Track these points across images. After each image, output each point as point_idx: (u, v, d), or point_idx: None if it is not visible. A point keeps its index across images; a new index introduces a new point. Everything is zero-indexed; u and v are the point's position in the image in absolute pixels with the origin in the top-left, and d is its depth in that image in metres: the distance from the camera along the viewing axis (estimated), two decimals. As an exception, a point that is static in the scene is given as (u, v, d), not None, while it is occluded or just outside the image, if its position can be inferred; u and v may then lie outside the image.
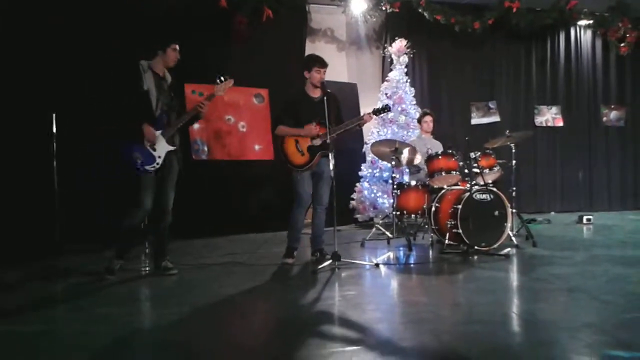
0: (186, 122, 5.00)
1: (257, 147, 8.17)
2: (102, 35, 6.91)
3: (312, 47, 8.97)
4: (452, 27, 9.43)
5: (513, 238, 6.11)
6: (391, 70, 8.96)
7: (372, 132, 8.59)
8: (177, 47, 4.90)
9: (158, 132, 4.77)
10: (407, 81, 8.86)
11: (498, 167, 6.37)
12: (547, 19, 9.93)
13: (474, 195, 5.71)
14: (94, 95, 6.62)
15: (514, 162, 6.62)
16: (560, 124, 10.56)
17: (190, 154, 7.52)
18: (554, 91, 10.63)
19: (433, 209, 6.17)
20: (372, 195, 8.30)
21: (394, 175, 6.44)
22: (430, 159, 6.31)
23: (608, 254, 5.68)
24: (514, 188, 6.64)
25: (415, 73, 9.70)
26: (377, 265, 5.17)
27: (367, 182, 8.44)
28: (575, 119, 10.64)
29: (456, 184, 6.33)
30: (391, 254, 5.94)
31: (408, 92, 8.77)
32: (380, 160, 7.72)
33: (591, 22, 10.47)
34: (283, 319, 3.59)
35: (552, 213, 10.19)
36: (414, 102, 8.77)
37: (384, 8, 9.17)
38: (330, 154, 5.07)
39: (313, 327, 3.26)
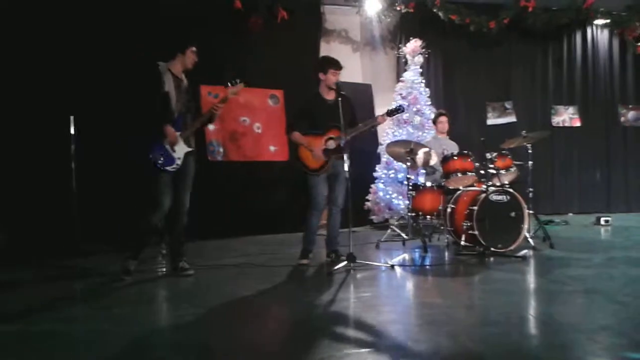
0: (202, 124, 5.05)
1: (272, 148, 8.19)
2: (119, 37, 6.97)
3: (326, 48, 8.98)
4: (467, 26, 9.38)
5: (530, 240, 6.07)
6: (406, 70, 8.93)
7: (387, 133, 8.57)
8: (195, 49, 4.94)
9: (177, 134, 4.82)
10: (421, 81, 8.82)
11: (514, 168, 6.34)
12: (564, 18, 9.85)
13: (490, 197, 5.68)
14: (113, 97, 6.67)
15: (530, 162, 6.57)
16: (578, 124, 10.46)
17: (206, 155, 7.56)
18: (571, 91, 10.52)
19: (449, 210, 6.15)
20: (387, 196, 8.28)
21: (409, 176, 6.43)
22: (445, 159, 6.29)
23: (626, 255, 5.63)
24: (531, 189, 6.59)
25: (430, 73, 9.66)
26: (392, 266, 5.16)
27: (382, 183, 8.42)
28: (592, 119, 10.53)
29: (472, 185, 6.30)
30: (406, 256, 5.93)
31: (423, 93, 8.74)
32: (395, 162, 7.71)
33: (608, 21, 10.35)
34: (298, 320, 3.60)
35: (570, 214, 10.09)
36: (429, 103, 8.73)
37: (398, 8, 9.14)
38: (345, 155, 5.08)
39: (328, 329, 3.26)
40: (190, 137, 4.95)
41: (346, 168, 5.07)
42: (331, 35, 9.44)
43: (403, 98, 8.62)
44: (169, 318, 3.81)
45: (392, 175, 8.39)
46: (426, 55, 8.98)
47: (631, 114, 10.68)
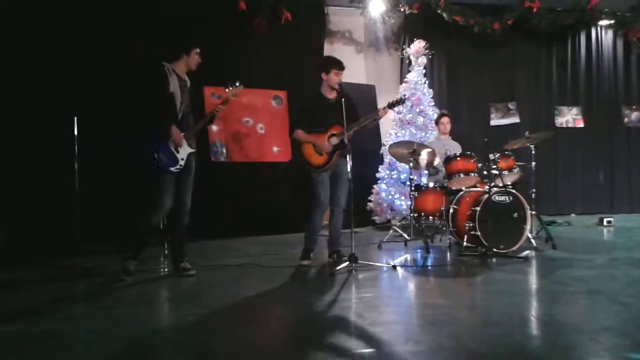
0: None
1: (275, 149, 8.19)
2: (123, 38, 6.99)
3: (330, 49, 8.99)
4: (471, 28, 9.37)
5: (532, 240, 6.07)
6: (409, 71, 8.93)
7: (390, 133, 8.57)
8: (199, 50, 4.95)
9: (182, 135, 4.83)
10: (425, 82, 8.82)
11: (517, 169, 6.33)
12: (568, 19, 9.82)
13: (492, 197, 5.68)
14: (116, 98, 6.69)
15: (533, 163, 6.57)
16: (581, 125, 10.44)
17: (209, 155, 7.57)
18: (575, 92, 10.51)
19: (451, 210, 6.14)
20: (390, 197, 8.28)
21: (411, 177, 6.42)
22: (448, 160, 6.29)
23: (628, 256, 5.62)
24: (534, 190, 6.59)
25: (434, 74, 9.67)
26: (394, 267, 5.16)
27: (385, 184, 8.42)
28: (596, 120, 10.51)
29: (475, 186, 6.29)
30: (408, 256, 5.93)
31: (426, 94, 8.73)
32: (397, 162, 7.71)
33: (612, 22, 10.32)
34: (300, 321, 3.60)
35: (573, 215, 10.07)
36: (432, 104, 8.73)
37: (402, 9, 9.14)
38: (347, 156, 5.08)
39: (330, 329, 3.26)
40: (192, 138, 4.96)
41: (349, 169, 5.08)
42: (335, 36, 9.45)
43: (407, 99, 8.60)
44: (170, 318, 3.81)
45: (394, 176, 8.38)
46: (430, 57, 8.98)
47: (635, 115, 10.65)
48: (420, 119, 8.48)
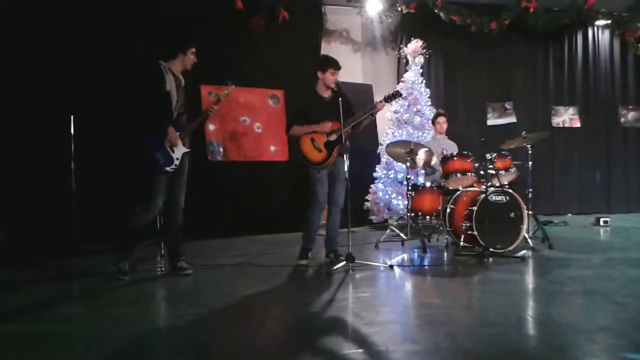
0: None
1: (272, 148, 8.19)
2: (120, 37, 6.96)
3: (327, 48, 8.98)
4: (469, 27, 9.37)
5: (529, 240, 6.08)
6: (406, 71, 8.93)
7: (387, 133, 8.57)
8: (195, 50, 4.95)
9: (177, 134, 4.82)
10: (422, 82, 8.81)
11: (514, 169, 6.34)
12: (565, 19, 9.83)
13: (489, 197, 5.68)
14: (113, 97, 6.67)
15: (530, 163, 6.58)
16: (578, 124, 10.44)
17: (206, 155, 7.56)
18: (572, 92, 10.51)
19: (448, 210, 6.15)
20: (387, 196, 8.28)
21: (408, 176, 6.43)
22: (445, 160, 6.29)
23: (625, 256, 5.63)
24: (531, 190, 6.60)
25: (431, 74, 9.66)
26: (391, 266, 5.16)
27: (382, 183, 8.42)
28: (592, 119, 10.51)
29: (471, 186, 6.30)
30: (405, 256, 5.93)
31: (423, 93, 8.73)
32: (395, 162, 7.71)
33: (609, 22, 10.34)
34: (297, 320, 3.61)
35: (569, 215, 10.08)
36: (430, 103, 8.73)
37: (399, 9, 9.14)
38: (345, 155, 5.08)
39: (327, 329, 3.27)
40: (185, 138, 4.96)
41: (346, 168, 5.08)
42: (332, 35, 9.44)
43: (404, 98, 8.62)
44: (167, 318, 3.81)
45: (391, 176, 8.38)
46: (427, 56, 8.98)
47: (631, 115, 10.67)
48: (417, 119, 8.48)
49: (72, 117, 6.56)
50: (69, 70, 6.74)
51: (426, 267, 5.41)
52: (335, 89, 5.27)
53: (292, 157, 6.94)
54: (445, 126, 7.36)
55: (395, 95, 5.47)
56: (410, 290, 4.47)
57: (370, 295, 4.16)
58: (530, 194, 6.54)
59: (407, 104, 8.50)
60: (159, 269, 5.35)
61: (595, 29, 10.59)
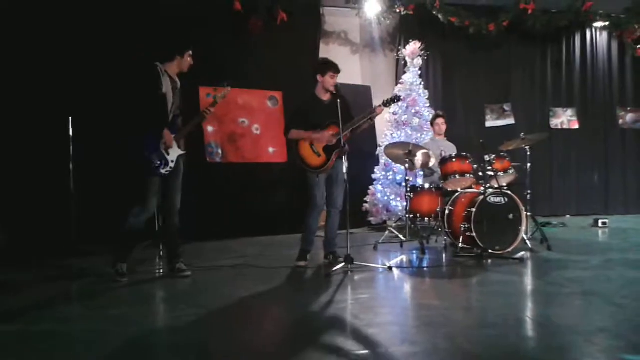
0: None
1: (271, 149, 8.19)
2: (118, 38, 6.97)
3: (326, 50, 8.99)
4: (467, 29, 9.38)
5: (527, 242, 6.08)
6: (405, 72, 8.92)
7: (386, 134, 8.58)
8: (192, 52, 4.95)
9: (173, 137, 4.82)
10: (421, 83, 8.82)
11: (513, 170, 6.34)
12: (563, 21, 9.85)
13: (488, 199, 5.68)
14: (111, 98, 6.67)
15: (528, 164, 6.59)
16: (576, 126, 10.46)
17: (204, 156, 7.55)
18: (570, 93, 10.53)
19: (447, 212, 6.15)
20: (386, 198, 8.28)
21: (407, 178, 6.43)
22: (444, 161, 6.29)
23: (623, 257, 5.64)
24: (529, 191, 6.61)
25: (429, 75, 9.68)
26: (390, 268, 5.16)
27: (381, 185, 8.42)
28: (591, 121, 10.53)
29: (470, 187, 6.30)
30: (404, 257, 5.93)
31: (422, 95, 8.73)
32: (393, 163, 7.71)
33: (607, 23, 10.35)
34: (296, 322, 3.60)
35: (568, 216, 10.09)
36: (428, 105, 8.73)
37: (398, 10, 9.15)
38: (343, 157, 5.08)
39: (326, 331, 3.26)
40: (181, 140, 4.95)
41: (345, 170, 5.08)
42: (331, 37, 9.45)
43: (402, 100, 8.62)
44: (166, 319, 3.80)
45: (390, 177, 8.38)
46: (425, 58, 8.99)
47: (629, 117, 10.69)
48: (416, 120, 8.49)
49: (70, 118, 6.55)
50: (67, 72, 6.75)
51: (425, 268, 5.41)
52: (334, 92, 5.27)
53: (291, 158, 6.94)
54: (444, 128, 7.36)
55: (394, 99, 5.48)
56: (409, 291, 4.47)
57: (369, 296, 4.16)
58: (528, 196, 6.55)
59: (405, 105, 8.51)
60: (157, 271, 5.34)
61: (593, 30, 10.61)
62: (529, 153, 6.61)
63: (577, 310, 3.68)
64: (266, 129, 8.16)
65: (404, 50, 9.00)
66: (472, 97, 10.02)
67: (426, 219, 6.51)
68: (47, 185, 6.57)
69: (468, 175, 6.15)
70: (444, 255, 5.98)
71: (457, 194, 6.24)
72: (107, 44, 6.93)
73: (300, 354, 2.84)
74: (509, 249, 5.69)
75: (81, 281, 5.00)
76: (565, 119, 10.44)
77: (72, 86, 6.73)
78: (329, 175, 5.39)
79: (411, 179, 6.73)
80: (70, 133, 6.56)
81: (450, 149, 7.04)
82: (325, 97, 5.40)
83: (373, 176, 8.56)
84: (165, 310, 4.10)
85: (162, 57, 4.89)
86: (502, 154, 6.34)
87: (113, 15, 7.07)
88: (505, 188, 5.98)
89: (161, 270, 5.34)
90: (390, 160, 7.24)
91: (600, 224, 8.39)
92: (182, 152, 4.94)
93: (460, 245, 5.78)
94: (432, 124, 7.55)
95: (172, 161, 4.83)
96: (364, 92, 9.15)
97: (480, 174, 6.03)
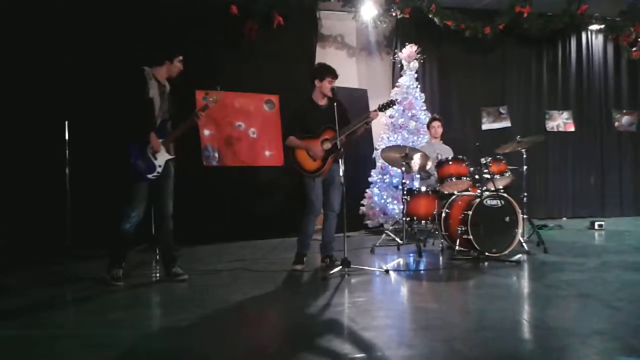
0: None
1: (267, 153, 8.18)
2: (114, 43, 6.96)
3: (322, 53, 9.00)
4: (463, 32, 9.39)
5: (524, 244, 6.09)
6: (401, 75, 8.94)
7: (382, 137, 8.59)
8: (182, 58, 4.93)
9: (160, 141, 4.80)
10: (417, 87, 8.83)
11: (509, 173, 6.35)
12: (559, 24, 9.85)
13: (484, 201, 5.69)
14: (106, 103, 6.65)
15: (525, 167, 6.60)
16: (572, 129, 10.48)
17: (201, 160, 7.55)
18: (566, 96, 10.56)
19: (443, 214, 6.15)
20: (382, 201, 8.28)
21: (404, 181, 6.43)
22: (440, 164, 6.30)
23: (620, 260, 5.65)
24: (525, 194, 6.62)
25: (426, 78, 9.68)
26: (387, 271, 5.16)
27: (377, 188, 8.43)
28: (586, 123, 10.56)
29: (467, 190, 6.31)
30: (401, 260, 5.93)
31: (418, 98, 8.75)
32: (390, 166, 7.72)
33: (602, 26, 10.36)
34: (292, 326, 3.60)
35: (564, 219, 10.11)
36: (424, 108, 8.75)
37: (394, 14, 9.14)
38: (340, 160, 5.09)
39: (323, 334, 3.26)
40: (170, 144, 4.92)
41: (341, 173, 5.08)
42: (327, 40, 9.45)
43: (398, 103, 8.63)
44: (162, 323, 3.80)
45: (387, 180, 8.39)
46: (422, 61, 9.01)
47: (625, 119, 10.72)
48: (413, 123, 8.50)
49: (66, 122, 6.54)
50: (63, 76, 6.75)
51: (422, 271, 5.41)
52: (331, 96, 5.27)
53: (288, 162, 6.92)
54: (440, 131, 7.37)
55: (390, 104, 5.49)
56: (406, 294, 4.47)
57: (366, 300, 4.16)
58: (525, 198, 6.56)
59: (402, 108, 8.52)
60: (154, 275, 5.33)
61: (589, 33, 10.65)
62: (525, 156, 6.62)
63: (574, 313, 3.69)
64: (263, 133, 8.15)
65: (400, 53, 9.01)
66: (468, 100, 10.02)
67: (423, 221, 6.52)
68: (43, 190, 6.57)
69: (464, 178, 6.15)
70: (440, 258, 5.98)
71: (453, 196, 6.24)
72: (104, 49, 6.93)
73: (297, 357, 2.84)
74: (506, 252, 5.71)
75: (77, 285, 4.97)
76: (561, 121, 10.47)
77: (68, 90, 6.72)
78: (326, 179, 5.39)
79: (408, 182, 6.73)
80: (67, 137, 6.55)
81: (447, 152, 7.05)
82: (322, 101, 5.41)
83: (370, 179, 8.57)
84: (162, 314, 4.09)
85: (150, 61, 4.87)
86: (498, 156, 6.35)
87: (110, 19, 7.07)
88: (502, 191, 6.00)
89: (157, 274, 5.33)
90: (387, 163, 7.25)
91: (596, 226, 8.42)
92: (171, 157, 4.91)
93: (457, 248, 5.79)
94: (428, 127, 7.55)
95: (160, 166, 4.80)
96: (360, 96, 9.16)
97: (477, 176, 6.04)
